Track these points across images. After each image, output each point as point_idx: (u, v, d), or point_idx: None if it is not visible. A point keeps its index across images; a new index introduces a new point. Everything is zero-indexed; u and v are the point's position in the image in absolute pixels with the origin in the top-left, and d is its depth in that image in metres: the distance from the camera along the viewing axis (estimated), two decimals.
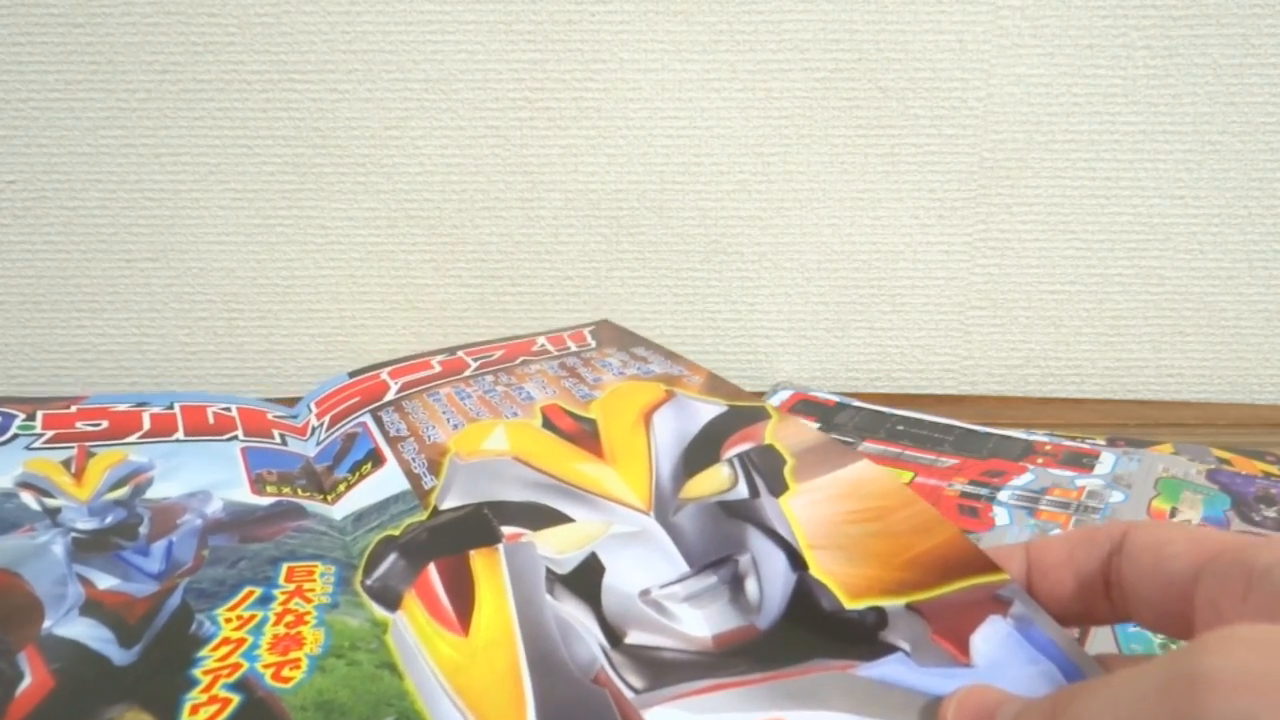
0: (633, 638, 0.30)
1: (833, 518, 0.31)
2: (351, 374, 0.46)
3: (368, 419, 0.42)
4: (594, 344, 0.47)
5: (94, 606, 0.30)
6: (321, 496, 0.38)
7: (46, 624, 0.29)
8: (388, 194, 0.65)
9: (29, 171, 0.65)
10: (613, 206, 0.65)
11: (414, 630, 0.30)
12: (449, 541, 0.33)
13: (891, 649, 0.27)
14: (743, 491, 0.34)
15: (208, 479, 0.37)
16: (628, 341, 0.47)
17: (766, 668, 0.27)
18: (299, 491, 0.38)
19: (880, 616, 0.28)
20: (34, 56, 0.62)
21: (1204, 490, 0.46)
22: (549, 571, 0.32)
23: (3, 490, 0.34)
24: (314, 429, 0.43)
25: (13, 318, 0.68)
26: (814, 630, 0.28)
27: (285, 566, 0.33)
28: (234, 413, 0.42)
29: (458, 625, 0.30)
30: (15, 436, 0.37)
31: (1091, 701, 0.20)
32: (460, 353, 0.47)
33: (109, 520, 0.34)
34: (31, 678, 0.27)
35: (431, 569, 0.32)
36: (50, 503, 0.34)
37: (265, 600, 0.31)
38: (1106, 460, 0.50)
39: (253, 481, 0.37)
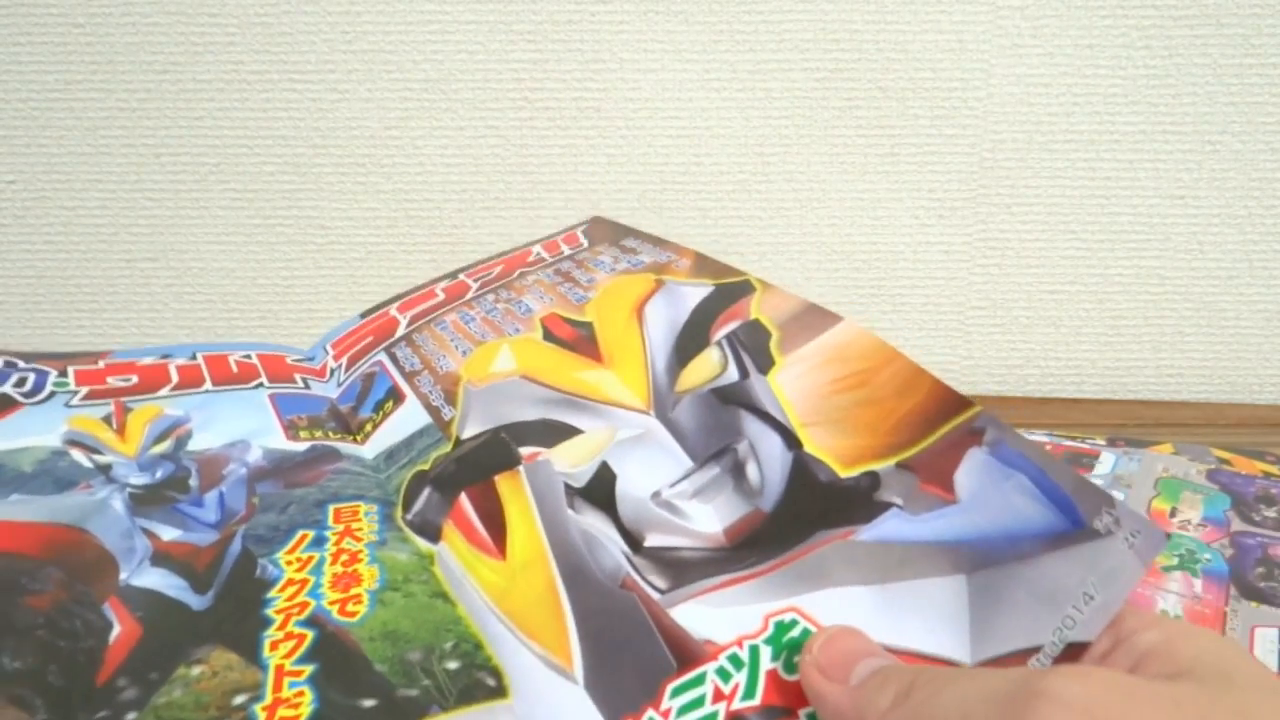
0: (651, 541, 0.31)
1: (819, 389, 0.32)
2: (363, 314, 0.47)
3: (383, 357, 0.43)
4: (586, 244, 0.47)
5: (163, 557, 0.31)
6: (351, 437, 0.39)
7: (122, 576, 0.30)
8: (388, 194, 0.65)
9: (29, 171, 0.65)
10: (613, 206, 0.65)
11: (457, 560, 0.32)
12: (474, 470, 0.34)
13: (886, 507, 0.28)
14: (733, 374, 0.35)
15: (243, 428, 0.38)
16: (618, 235, 0.47)
17: (776, 554, 0.29)
18: (330, 434, 0.39)
19: (873, 479, 0.29)
20: (34, 56, 0.62)
21: (1204, 490, 0.46)
22: (567, 486, 0.33)
23: (54, 449, 0.35)
24: (332, 370, 0.43)
25: (13, 318, 0.68)
26: (814, 504, 0.30)
27: (332, 509, 0.34)
28: (255, 359, 0.42)
29: (495, 550, 0.31)
30: (53, 394, 0.37)
31: (947, 688, 0.22)
32: (462, 275, 0.47)
33: (159, 475, 0.35)
34: (120, 626, 0.28)
35: (463, 499, 0.33)
36: (100, 459, 0.35)
37: (319, 542, 0.32)
38: (1106, 460, 0.50)
39: (286, 428, 0.38)
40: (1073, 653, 0.24)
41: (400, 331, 0.44)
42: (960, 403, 0.29)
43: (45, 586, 0.29)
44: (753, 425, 0.33)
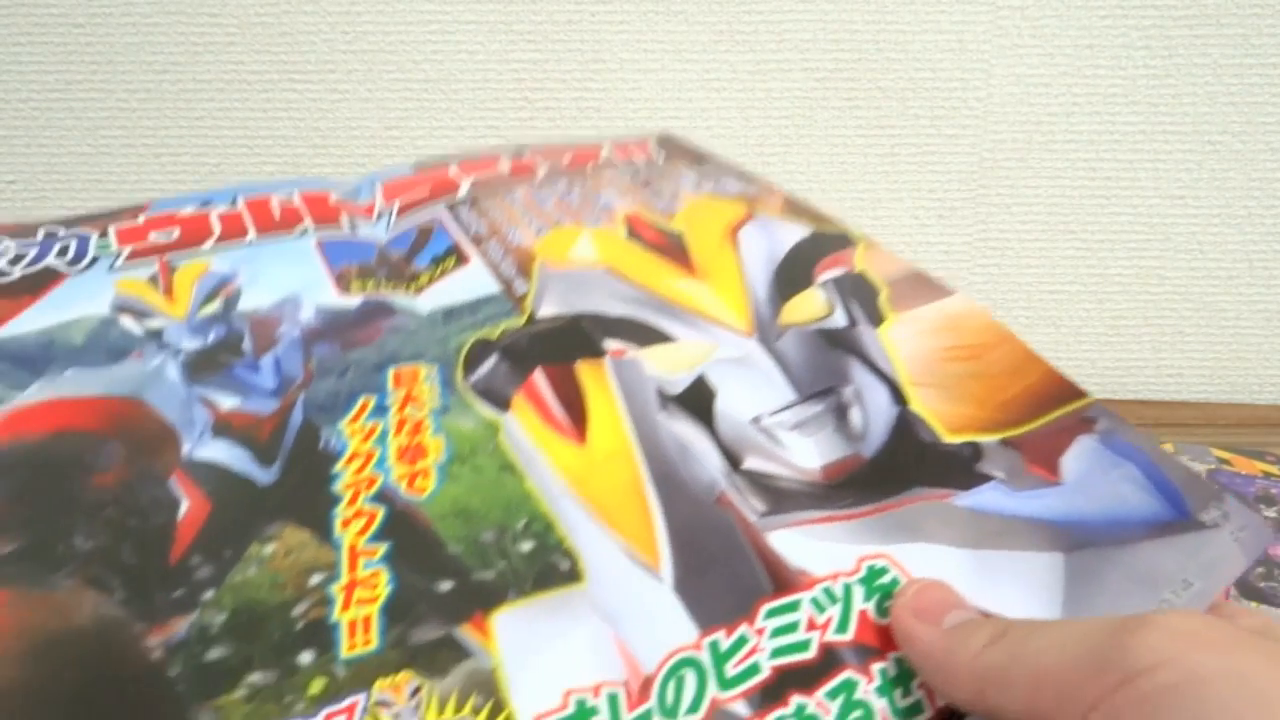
0: (750, 464, 0.30)
1: (931, 354, 0.32)
2: (416, 165, 0.44)
3: (443, 214, 0.41)
4: (661, 158, 0.46)
5: (224, 428, 0.30)
6: (404, 287, 0.37)
7: (185, 449, 0.29)
8: None
9: (29, 171, 0.65)
10: None
11: (528, 434, 0.31)
12: (551, 350, 0.34)
13: (986, 478, 0.28)
14: (841, 319, 0.34)
15: (292, 282, 0.36)
16: (696, 159, 0.45)
17: (872, 499, 0.28)
18: (382, 284, 0.37)
19: (976, 450, 0.29)
20: (34, 56, 0.62)
21: None
22: (659, 391, 0.32)
23: (103, 317, 0.33)
24: (381, 212, 0.41)
25: None
26: (914, 461, 0.29)
27: (391, 371, 0.33)
28: (297, 200, 0.40)
29: (573, 433, 0.31)
30: (96, 259, 0.36)
31: (1044, 629, 0.22)
32: (528, 153, 0.45)
33: (211, 338, 0.33)
34: (188, 502, 0.27)
35: (538, 375, 0.32)
36: (150, 325, 0.33)
37: (381, 410, 0.31)
38: None
39: (336, 280, 0.37)
40: None
41: (463, 193, 0.42)
42: (1073, 391, 0.30)
43: (109, 463, 0.28)
44: (861, 374, 0.32)
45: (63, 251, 0.36)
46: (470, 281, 0.37)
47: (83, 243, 0.37)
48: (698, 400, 0.32)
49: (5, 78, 0.63)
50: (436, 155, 0.45)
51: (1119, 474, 0.27)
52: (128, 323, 0.33)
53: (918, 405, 0.31)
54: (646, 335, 0.34)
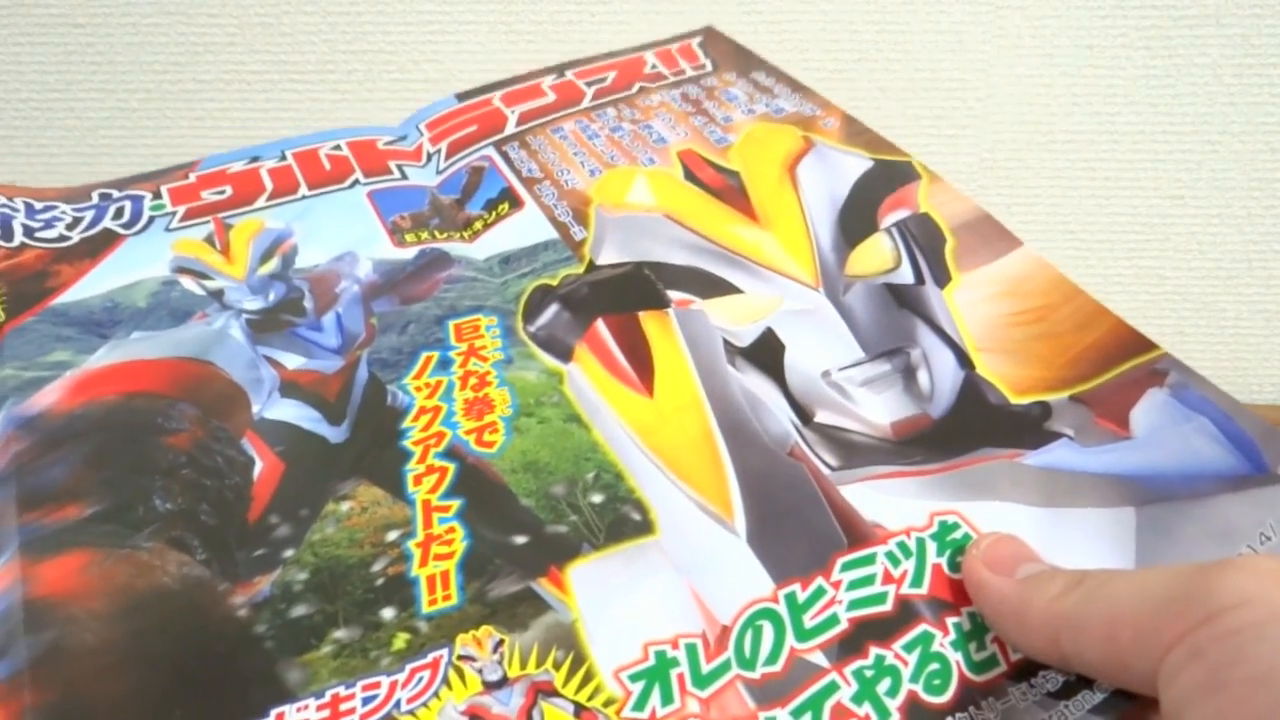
0: (821, 417, 0.30)
1: (997, 320, 0.32)
2: (459, 96, 0.44)
3: (493, 153, 0.40)
4: (709, 66, 0.45)
5: (292, 387, 0.30)
6: (459, 234, 0.37)
7: (255, 409, 0.29)
8: None
9: (29, 171, 0.65)
10: None
11: (593, 384, 0.31)
12: (613, 298, 0.33)
13: (1056, 436, 0.28)
14: (908, 274, 0.34)
15: (348, 237, 0.36)
16: (745, 64, 0.44)
17: (942, 458, 0.28)
18: (436, 234, 0.37)
19: (1044, 409, 0.29)
20: (34, 56, 0.62)
21: None
22: (727, 343, 0.32)
23: (164, 279, 0.34)
24: (430, 155, 0.41)
25: None
26: (982, 422, 0.29)
27: (451, 325, 0.33)
28: (345, 150, 0.40)
29: (640, 384, 0.31)
30: (151, 220, 0.36)
31: (1121, 577, 0.22)
32: (569, 74, 0.44)
33: (272, 297, 0.34)
34: (262, 462, 0.28)
35: (600, 324, 0.32)
36: (211, 285, 0.34)
37: (445, 364, 0.31)
38: None
39: (390, 231, 0.37)
40: None
41: (510, 129, 0.41)
42: (1143, 343, 0.29)
43: (182, 425, 0.28)
44: (928, 337, 0.32)
45: (118, 214, 0.36)
46: (526, 227, 0.37)
47: (137, 204, 0.37)
48: (767, 353, 0.32)
49: (5, 78, 0.63)
50: (478, 86, 0.44)
51: (1191, 427, 0.27)
52: (188, 284, 0.34)
53: (984, 370, 0.30)
54: (711, 285, 0.34)
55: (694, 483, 0.28)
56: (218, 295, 0.33)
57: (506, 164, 0.40)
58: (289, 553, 0.26)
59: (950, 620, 0.25)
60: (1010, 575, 0.24)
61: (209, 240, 0.36)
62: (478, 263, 0.36)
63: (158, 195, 0.37)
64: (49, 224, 0.35)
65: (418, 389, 0.31)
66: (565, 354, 0.32)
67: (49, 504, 0.26)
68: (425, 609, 0.25)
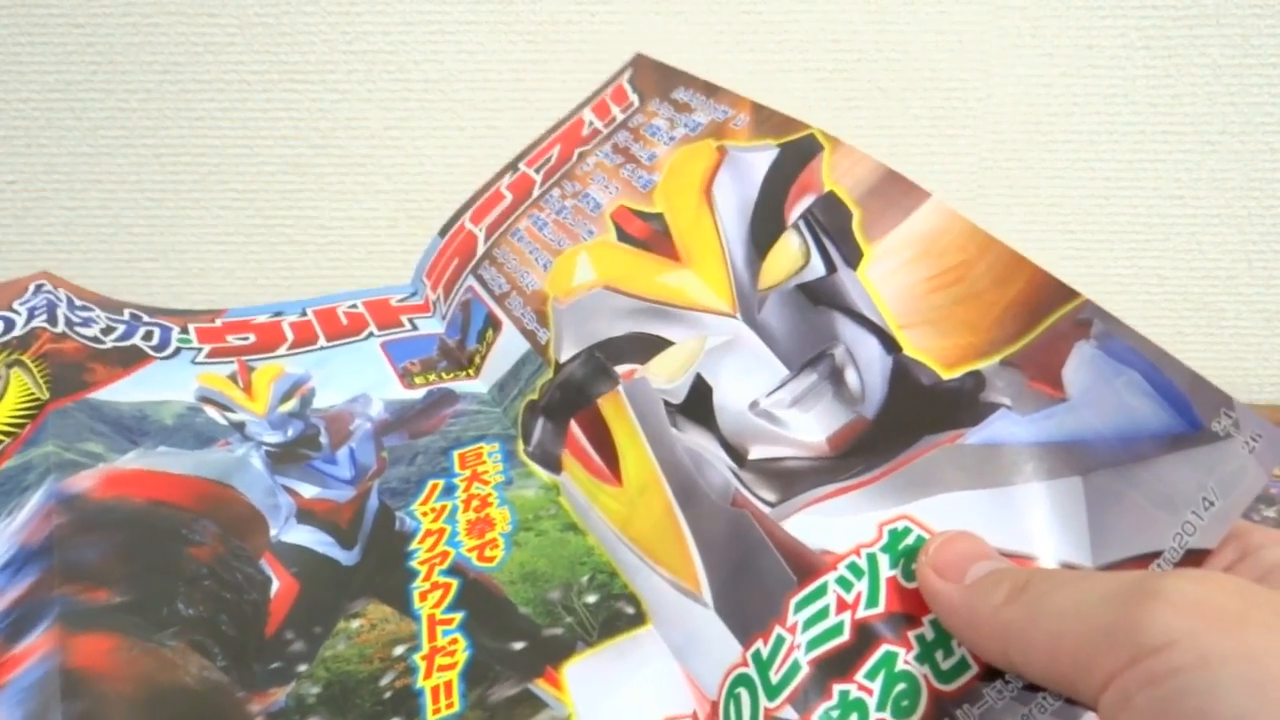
0: (755, 453, 0.30)
1: (914, 288, 0.31)
2: (441, 232, 0.45)
3: (472, 281, 0.42)
4: (636, 101, 0.44)
5: (307, 514, 0.32)
6: (464, 372, 0.40)
7: (273, 532, 0.31)
8: (388, 194, 0.65)
9: (29, 171, 0.65)
10: None
11: (580, 489, 0.32)
12: (577, 395, 0.34)
13: (993, 408, 0.27)
14: (818, 267, 0.33)
15: (361, 382, 0.38)
16: (667, 85, 0.44)
17: (882, 461, 0.28)
18: (443, 375, 0.39)
19: (978, 379, 0.28)
20: (34, 56, 0.62)
21: None
22: (667, 404, 0.32)
23: (189, 404, 0.35)
24: (434, 302, 0.43)
25: None
26: (918, 408, 0.29)
27: (456, 454, 0.35)
28: (361, 308, 0.43)
29: (611, 477, 0.32)
30: (179, 350, 0.38)
31: (1064, 586, 0.21)
32: (521, 166, 0.45)
33: (291, 433, 0.35)
34: (279, 581, 0.29)
35: (574, 426, 0.33)
36: (233, 417, 0.35)
37: (449, 490, 0.33)
38: None
39: (401, 376, 0.39)
40: (1194, 560, 0.23)
41: (480, 249, 0.43)
42: (1064, 291, 0.28)
43: (205, 539, 0.30)
44: (848, 328, 0.31)
45: (148, 336, 0.38)
46: (508, 347, 0.38)
47: (165, 333, 0.39)
48: (699, 402, 0.32)
49: (5, 78, 0.63)
50: (451, 215, 0.45)
51: (1121, 382, 0.26)
52: (212, 412, 0.35)
53: (910, 348, 0.29)
54: (650, 347, 0.34)
55: (666, 564, 0.29)
56: (239, 427, 0.35)
57: (484, 288, 0.41)
58: (303, 667, 0.27)
59: (912, 634, 0.24)
60: (960, 579, 0.23)
61: (232, 378, 0.37)
62: (482, 395, 0.38)
63: (185, 330, 0.39)
64: (87, 323, 0.37)
65: (424, 514, 0.32)
66: (556, 465, 0.33)
67: (84, 582, 0.26)
68: (430, 718, 0.26)
